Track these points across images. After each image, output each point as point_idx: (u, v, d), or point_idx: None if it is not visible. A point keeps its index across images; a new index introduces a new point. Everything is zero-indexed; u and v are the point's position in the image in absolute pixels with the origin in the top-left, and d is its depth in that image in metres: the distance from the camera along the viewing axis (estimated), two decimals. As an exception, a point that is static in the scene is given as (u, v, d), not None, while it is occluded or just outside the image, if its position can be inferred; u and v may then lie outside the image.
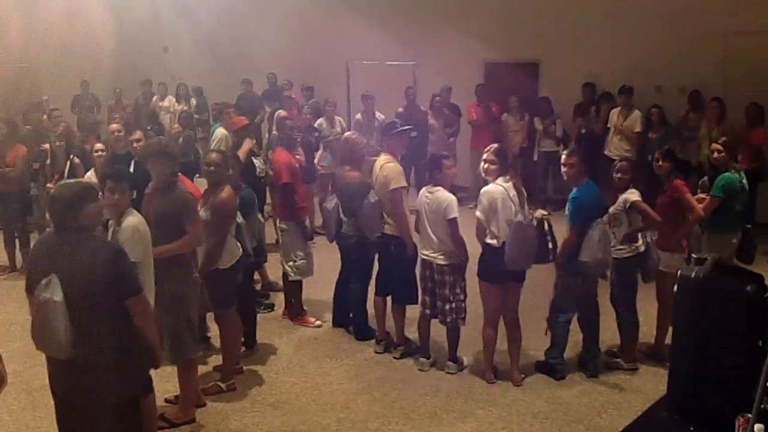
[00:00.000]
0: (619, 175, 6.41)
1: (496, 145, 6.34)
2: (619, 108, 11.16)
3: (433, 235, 6.28)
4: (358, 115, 11.92)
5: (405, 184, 6.75)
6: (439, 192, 6.27)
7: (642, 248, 6.36)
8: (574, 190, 6.16)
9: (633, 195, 6.30)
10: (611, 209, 6.39)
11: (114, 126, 8.32)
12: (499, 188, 6.04)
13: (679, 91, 10.93)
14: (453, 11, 13.06)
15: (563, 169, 6.27)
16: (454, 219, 6.19)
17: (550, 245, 6.16)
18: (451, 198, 6.24)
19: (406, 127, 7.17)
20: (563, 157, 6.34)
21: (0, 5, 15.90)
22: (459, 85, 12.47)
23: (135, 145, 7.55)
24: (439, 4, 13.38)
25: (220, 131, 9.96)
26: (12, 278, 9.36)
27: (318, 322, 7.62)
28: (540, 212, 6.26)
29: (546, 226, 6.15)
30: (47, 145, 8.89)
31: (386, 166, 6.70)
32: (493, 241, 6.05)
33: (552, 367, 6.41)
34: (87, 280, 3.96)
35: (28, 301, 4.28)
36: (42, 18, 15.79)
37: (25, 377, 6.38)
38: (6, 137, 9.51)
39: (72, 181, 4.31)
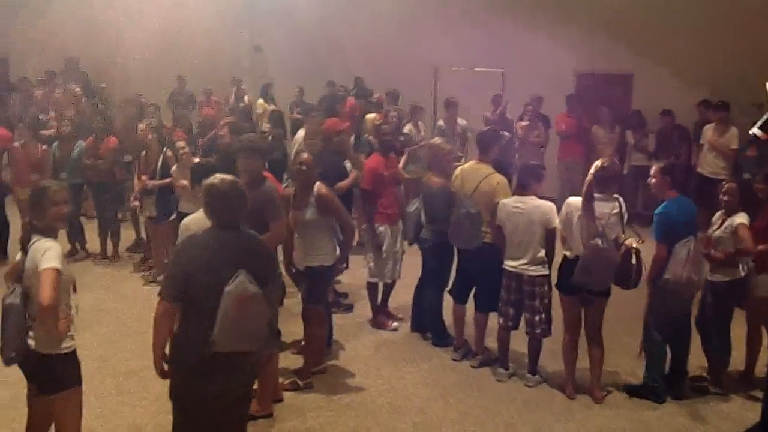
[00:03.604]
0: (726, 197, 6.12)
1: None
2: (713, 124, 10.78)
3: (527, 246, 6.17)
4: (441, 122, 11.79)
5: (511, 194, 6.61)
6: (535, 200, 6.19)
7: (741, 273, 6.08)
8: (661, 205, 6.00)
9: (738, 218, 6.01)
10: (716, 232, 6.16)
11: (180, 144, 8.56)
12: (578, 201, 5.92)
13: (782, 108, 10.50)
14: (545, 20, 12.89)
15: (650, 180, 6.14)
16: (555, 229, 6.14)
17: (634, 274, 5.90)
18: (554, 207, 6.19)
19: (505, 134, 7.10)
20: (652, 169, 6.17)
21: (99, 5, 16.57)
22: (548, 95, 12.26)
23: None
24: (531, 13, 13.21)
25: (301, 133, 10.05)
26: (102, 265, 9.69)
27: (395, 325, 7.62)
28: (631, 241, 5.92)
29: (634, 256, 5.87)
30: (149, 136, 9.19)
31: (495, 176, 6.58)
32: (568, 252, 6.01)
33: (654, 390, 6.15)
34: (263, 269, 4.15)
35: (167, 308, 4.04)
36: (138, 16, 16.31)
37: (112, 362, 6.59)
38: (101, 130, 9.90)
39: (229, 177, 4.29)
